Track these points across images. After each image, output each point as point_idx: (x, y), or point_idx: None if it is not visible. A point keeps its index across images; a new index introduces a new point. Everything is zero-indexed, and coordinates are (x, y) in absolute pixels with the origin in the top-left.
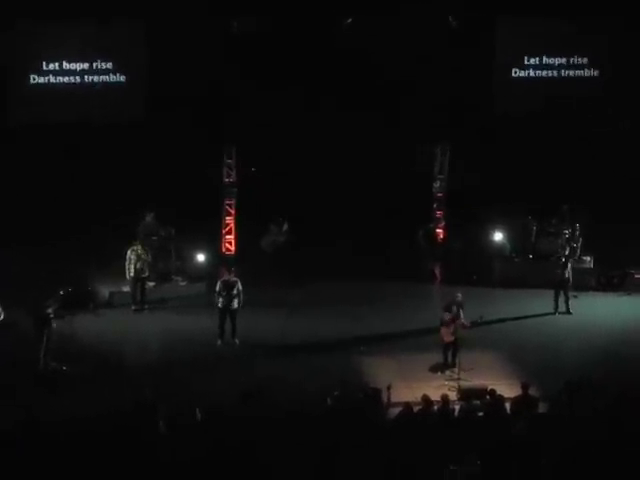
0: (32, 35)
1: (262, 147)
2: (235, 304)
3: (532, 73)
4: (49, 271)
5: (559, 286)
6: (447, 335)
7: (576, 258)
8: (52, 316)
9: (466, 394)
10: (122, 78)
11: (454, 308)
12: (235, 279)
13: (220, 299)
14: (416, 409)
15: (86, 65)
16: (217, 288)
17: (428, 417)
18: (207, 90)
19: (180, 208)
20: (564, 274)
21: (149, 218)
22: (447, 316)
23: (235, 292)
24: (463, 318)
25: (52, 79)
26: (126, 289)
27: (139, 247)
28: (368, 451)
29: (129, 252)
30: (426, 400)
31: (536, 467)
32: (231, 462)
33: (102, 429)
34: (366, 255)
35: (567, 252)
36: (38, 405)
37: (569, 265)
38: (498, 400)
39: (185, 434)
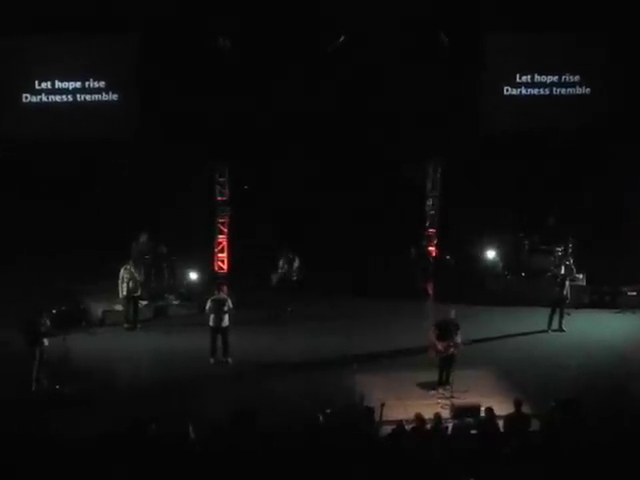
0: (24, 54)
1: (255, 165)
2: (226, 322)
3: (524, 91)
4: (42, 289)
5: (557, 304)
6: (435, 353)
7: (574, 277)
8: (45, 334)
9: (459, 412)
10: (115, 97)
11: (449, 327)
12: (225, 297)
13: (211, 317)
14: (409, 427)
15: (78, 84)
16: (207, 306)
17: (421, 435)
18: (199, 107)
19: (173, 227)
20: (562, 292)
21: (142, 238)
22: (435, 333)
23: (226, 309)
24: (458, 337)
25: (45, 98)
26: (119, 308)
27: (132, 266)
28: (361, 469)
29: (122, 271)
30: (419, 418)
31: None
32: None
33: (95, 448)
34: (358, 272)
35: (563, 270)
36: (32, 424)
37: (567, 283)
38: (491, 418)
39: (179, 451)
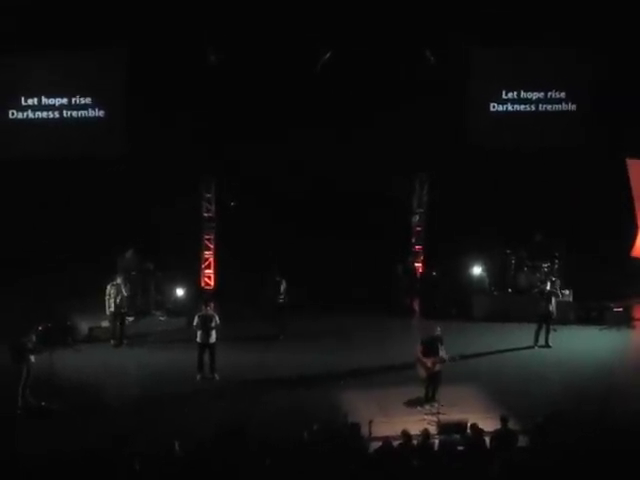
0: (10, 70)
1: (241, 181)
2: (213, 338)
3: (510, 107)
4: (28, 306)
5: (543, 319)
6: (423, 370)
7: (560, 293)
8: (31, 351)
9: (446, 428)
10: (101, 113)
11: (435, 343)
12: (212, 313)
13: (198, 333)
14: (396, 444)
15: (65, 100)
16: (195, 322)
17: (408, 452)
18: (185, 123)
19: (159, 243)
20: (548, 307)
21: (129, 254)
22: (420, 350)
23: (213, 325)
24: (443, 353)
25: (31, 114)
26: (105, 324)
27: (119, 282)
28: None
29: (109, 287)
30: (406, 434)
31: None
32: None
33: (80, 465)
34: (345, 289)
35: (549, 286)
36: (17, 441)
37: (553, 299)
38: (478, 434)
39: (165, 469)
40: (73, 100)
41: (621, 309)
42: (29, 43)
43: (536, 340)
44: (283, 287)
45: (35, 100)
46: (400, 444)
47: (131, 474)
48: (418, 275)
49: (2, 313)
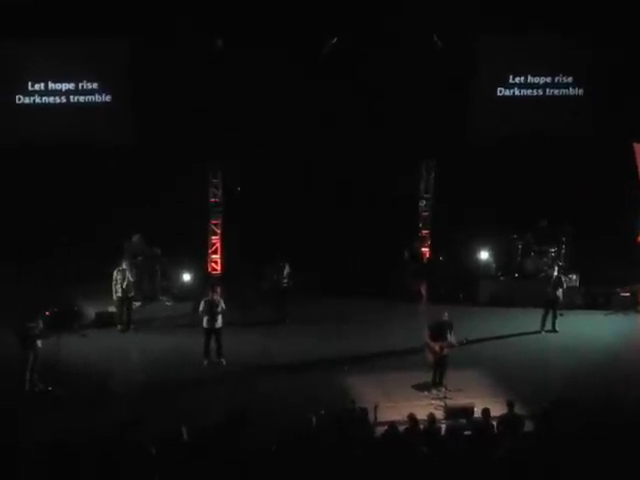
0: (17, 55)
1: (248, 166)
2: (220, 323)
3: (517, 92)
4: (35, 291)
5: (549, 304)
6: (431, 354)
7: (567, 278)
8: (38, 336)
9: (452, 413)
10: (107, 98)
11: (444, 328)
12: (219, 298)
13: (204, 319)
14: (402, 428)
15: (71, 85)
16: (201, 308)
17: (414, 436)
18: (192, 109)
19: (166, 228)
20: (555, 292)
21: (135, 238)
22: (428, 335)
23: (219, 310)
24: (451, 337)
25: (38, 99)
26: (112, 309)
27: (124, 267)
28: (354, 470)
29: (115, 272)
30: (412, 419)
31: None
32: None
33: (89, 451)
34: (351, 274)
35: (556, 271)
36: (24, 426)
37: (560, 284)
38: (487, 418)
39: (172, 454)
40: (80, 85)
41: (628, 294)
42: (35, 28)
43: (543, 325)
44: (286, 271)
45: (42, 85)
46: (406, 429)
47: (140, 459)
48: (425, 260)
49: (9, 298)
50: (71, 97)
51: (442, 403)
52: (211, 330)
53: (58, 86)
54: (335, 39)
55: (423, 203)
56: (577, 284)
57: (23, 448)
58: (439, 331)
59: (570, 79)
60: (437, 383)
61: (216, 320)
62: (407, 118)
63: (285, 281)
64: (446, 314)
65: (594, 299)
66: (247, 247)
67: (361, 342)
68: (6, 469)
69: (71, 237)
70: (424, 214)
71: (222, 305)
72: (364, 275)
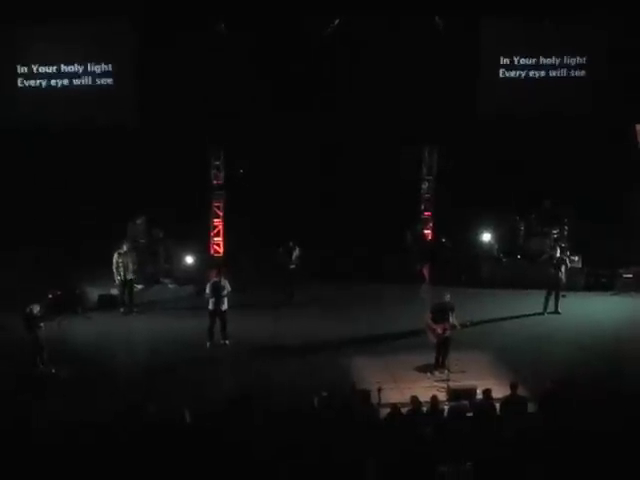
0: (20, 37)
1: (250, 149)
2: (225, 305)
3: (521, 73)
4: (38, 274)
5: (552, 286)
6: (433, 336)
7: (570, 259)
8: (41, 319)
9: (455, 394)
10: (111, 81)
11: (445, 310)
12: (223, 280)
13: (210, 301)
14: (405, 410)
15: (75, 68)
16: (207, 290)
17: (417, 418)
18: (195, 92)
19: (169, 210)
20: (558, 274)
21: (139, 220)
22: (430, 317)
23: (224, 293)
24: (453, 319)
25: (43, 82)
26: (115, 292)
27: (125, 250)
28: (357, 452)
29: (116, 255)
30: (415, 401)
31: (527, 467)
32: (221, 464)
33: (92, 434)
34: (354, 256)
35: (558, 252)
36: (28, 408)
37: (563, 266)
38: (489, 399)
39: (175, 435)
40: (84, 68)
41: (631, 275)
42: (38, 11)
43: (546, 307)
44: (296, 254)
45: (46, 68)
46: (409, 410)
47: (142, 442)
48: (427, 242)
49: (12, 281)
50: (75, 80)
51: (445, 385)
52: (216, 312)
53: (63, 68)
54: (337, 21)
55: (425, 185)
56: (580, 265)
57: (37, 429)
58: (441, 313)
59: (575, 60)
60: (440, 365)
61: (222, 302)
62: (409, 100)
63: (293, 263)
64: (448, 296)
65: (597, 280)
66: (250, 229)
67: (365, 324)
68: (21, 451)
69: (73, 220)
70: (426, 196)
71: (228, 287)
72: (367, 258)
